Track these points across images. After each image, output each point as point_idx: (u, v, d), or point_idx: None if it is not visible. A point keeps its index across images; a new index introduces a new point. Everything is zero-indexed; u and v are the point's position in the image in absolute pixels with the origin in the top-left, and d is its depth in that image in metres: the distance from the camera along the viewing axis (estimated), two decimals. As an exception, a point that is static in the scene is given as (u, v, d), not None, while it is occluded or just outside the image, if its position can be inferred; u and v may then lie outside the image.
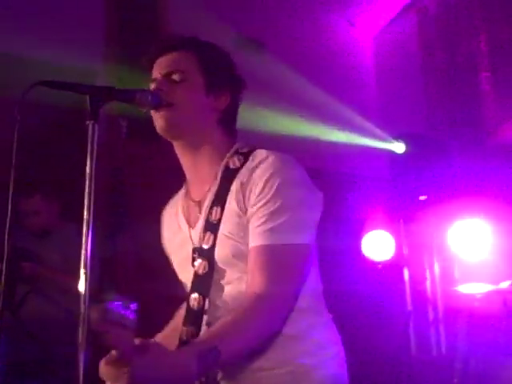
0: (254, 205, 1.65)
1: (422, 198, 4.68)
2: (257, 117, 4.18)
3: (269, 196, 1.63)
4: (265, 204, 1.63)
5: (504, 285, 2.98)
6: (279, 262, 1.61)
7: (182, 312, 1.86)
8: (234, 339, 1.54)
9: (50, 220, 3.79)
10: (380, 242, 4.65)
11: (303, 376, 1.69)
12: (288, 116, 4.33)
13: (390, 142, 4.62)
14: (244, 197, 1.67)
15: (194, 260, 1.76)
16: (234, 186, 1.70)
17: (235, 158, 1.76)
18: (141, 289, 4.15)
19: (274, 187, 1.63)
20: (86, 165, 1.60)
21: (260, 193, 1.65)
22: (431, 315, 4.72)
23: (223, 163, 1.77)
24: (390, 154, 4.66)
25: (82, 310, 1.62)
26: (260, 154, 1.71)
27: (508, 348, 3.90)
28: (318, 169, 5.04)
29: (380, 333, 4.60)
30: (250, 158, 1.72)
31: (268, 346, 1.66)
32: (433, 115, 5.25)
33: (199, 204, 1.81)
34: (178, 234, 1.87)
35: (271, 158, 1.67)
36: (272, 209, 1.62)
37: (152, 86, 1.79)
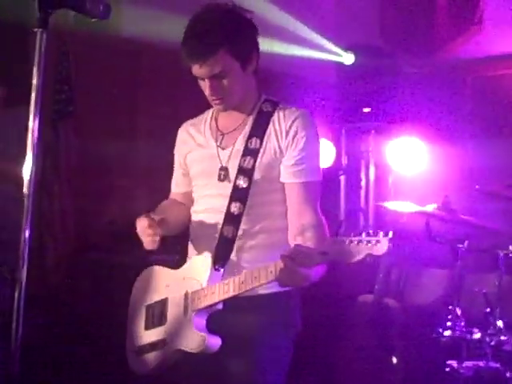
0: (291, 152, 2.16)
1: (366, 110, 4.76)
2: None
3: (301, 147, 2.16)
4: (299, 153, 2.15)
5: (429, 208, 3.15)
6: (315, 195, 2.20)
7: (169, 203, 2.43)
8: None
9: None
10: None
11: None
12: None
13: (340, 53, 4.63)
14: (283, 142, 2.18)
15: (220, 175, 2.24)
16: (273, 128, 2.21)
17: (267, 104, 2.26)
18: (84, 182, 4.19)
19: (304, 141, 2.16)
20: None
21: (296, 145, 2.16)
22: (361, 223, 4.93)
23: (257, 107, 2.26)
24: (339, 64, 4.67)
25: (27, 193, 1.68)
26: (292, 110, 2.21)
27: (427, 260, 4.17)
28: (263, 68, 5.03)
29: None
30: (282, 108, 2.23)
31: None
32: (386, 27, 5.25)
33: (232, 133, 2.26)
34: (203, 149, 2.31)
35: (302, 118, 2.18)
36: (304, 155, 2.15)
37: (205, 87, 2.19)
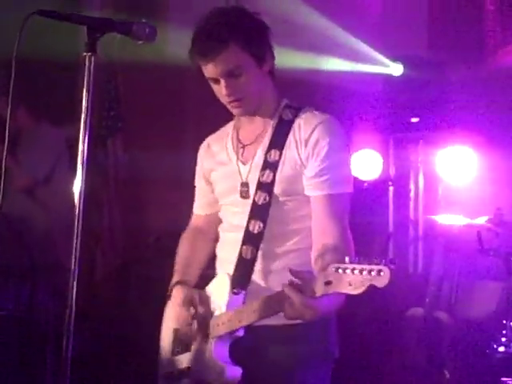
0: (313, 162, 2.02)
1: (414, 119, 4.69)
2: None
3: (322, 156, 2.01)
4: (321, 163, 2.01)
5: (481, 220, 3.08)
6: (342, 209, 2.01)
7: (188, 236, 2.40)
8: None
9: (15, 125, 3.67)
10: (368, 160, 4.70)
11: None
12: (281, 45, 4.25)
13: (388, 65, 4.57)
14: (302, 152, 2.03)
15: (242, 192, 2.12)
16: (292, 137, 2.06)
17: (287, 111, 2.11)
18: (133, 196, 4.25)
19: (327, 149, 2.01)
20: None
21: (317, 155, 2.02)
22: (411, 234, 4.85)
23: (277, 115, 2.12)
24: (387, 75, 4.62)
25: (77, 210, 1.70)
26: (313, 116, 2.07)
27: (480, 272, 4.08)
28: (310, 81, 5.02)
29: (359, 250, 4.74)
30: (303, 115, 2.09)
31: None
32: (434, 36, 5.18)
33: (252, 146, 2.14)
34: (225, 166, 2.20)
35: (323, 125, 2.03)
36: (327, 165, 2.00)
37: (220, 90, 2.05)
